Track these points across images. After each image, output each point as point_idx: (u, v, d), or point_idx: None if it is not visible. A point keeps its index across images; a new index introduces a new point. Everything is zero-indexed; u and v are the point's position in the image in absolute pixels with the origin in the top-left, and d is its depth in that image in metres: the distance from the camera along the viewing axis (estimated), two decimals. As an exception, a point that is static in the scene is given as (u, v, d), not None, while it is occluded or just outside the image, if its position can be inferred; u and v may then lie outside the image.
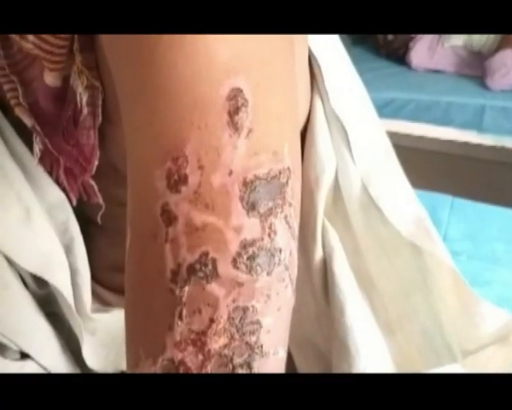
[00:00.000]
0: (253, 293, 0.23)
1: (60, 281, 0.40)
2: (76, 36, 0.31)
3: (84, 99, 0.32)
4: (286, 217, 0.24)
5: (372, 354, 0.38)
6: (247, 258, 0.22)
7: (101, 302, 0.48)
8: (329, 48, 0.42)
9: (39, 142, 0.38)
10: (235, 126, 0.23)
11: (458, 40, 1.99)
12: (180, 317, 0.22)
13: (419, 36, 2.05)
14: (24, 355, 0.41)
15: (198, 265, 0.22)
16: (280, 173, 0.24)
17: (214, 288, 0.22)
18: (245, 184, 0.23)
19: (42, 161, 0.40)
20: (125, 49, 0.24)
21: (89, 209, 0.46)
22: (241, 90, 0.23)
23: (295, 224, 0.25)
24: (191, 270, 0.22)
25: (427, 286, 0.44)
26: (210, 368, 0.22)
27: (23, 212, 0.41)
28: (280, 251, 0.23)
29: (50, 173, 0.40)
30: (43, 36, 0.30)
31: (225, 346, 0.22)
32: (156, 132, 0.23)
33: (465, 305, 0.41)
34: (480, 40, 1.96)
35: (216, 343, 0.22)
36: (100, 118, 0.34)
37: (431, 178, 1.16)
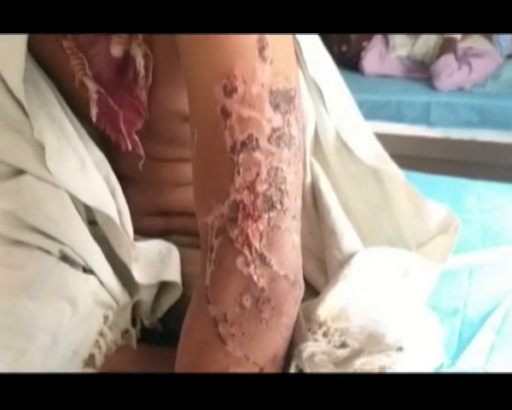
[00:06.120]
0: (281, 159, 0.36)
1: (112, 212, 0.52)
2: None
3: (142, 64, 0.45)
4: (296, 117, 0.38)
5: (352, 236, 0.52)
6: (276, 138, 0.36)
7: None
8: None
9: (95, 106, 0.50)
10: (263, 58, 0.36)
11: (403, 51, 2.20)
12: (238, 172, 0.36)
13: (369, 46, 2.24)
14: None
15: (247, 141, 0.36)
16: (290, 90, 0.38)
17: (258, 155, 0.36)
18: (271, 93, 0.36)
19: (98, 121, 0.52)
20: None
21: (123, 165, 0.58)
22: (265, 38, 0.37)
23: (300, 123, 0.39)
24: (243, 145, 0.36)
25: (389, 207, 0.59)
26: (259, 203, 0.35)
27: (79, 162, 0.52)
28: (294, 137, 0.37)
29: (104, 131, 0.52)
30: None
31: (267, 189, 0.36)
32: (215, 63, 0.36)
33: (417, 207, 0.56)
34: (421, 50, 2.17)
35: (261, 187, 0.36)
36: (150, 79, 0.47)
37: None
